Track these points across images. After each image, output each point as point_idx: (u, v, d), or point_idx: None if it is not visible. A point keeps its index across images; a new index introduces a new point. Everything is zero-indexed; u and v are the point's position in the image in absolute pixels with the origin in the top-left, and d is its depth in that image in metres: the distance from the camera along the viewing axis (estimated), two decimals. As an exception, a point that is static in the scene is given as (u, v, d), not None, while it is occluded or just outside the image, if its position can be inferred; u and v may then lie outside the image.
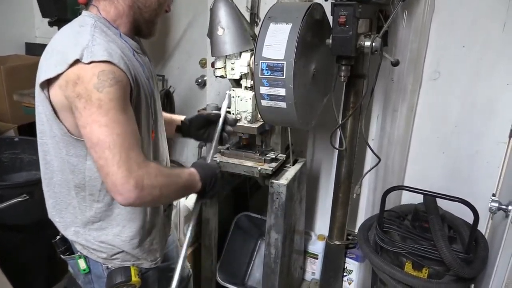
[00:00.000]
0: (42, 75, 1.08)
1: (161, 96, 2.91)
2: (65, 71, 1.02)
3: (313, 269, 2.54)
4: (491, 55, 1.94)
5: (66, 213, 1.25)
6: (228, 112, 1.83)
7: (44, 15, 1.98)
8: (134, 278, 1.25)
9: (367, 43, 1.58)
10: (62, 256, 1.32)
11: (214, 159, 1.90)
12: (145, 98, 1.19)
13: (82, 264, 1.28)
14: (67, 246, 1.31)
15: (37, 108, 1.16)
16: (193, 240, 2.25)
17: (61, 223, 1.27)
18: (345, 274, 2.42)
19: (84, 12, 1.16)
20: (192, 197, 2.20)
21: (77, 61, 1.02)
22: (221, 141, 1.61)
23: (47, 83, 1.08)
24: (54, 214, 1.27)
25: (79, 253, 1.28)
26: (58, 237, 1.32)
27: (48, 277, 2.29)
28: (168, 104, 2.95)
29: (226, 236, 2.33)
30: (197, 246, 2.25)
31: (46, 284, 2.26)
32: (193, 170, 1.25)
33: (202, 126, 1.59)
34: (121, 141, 1.02)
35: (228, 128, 1.58)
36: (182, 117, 1.63)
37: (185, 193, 1.27)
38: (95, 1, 1.15)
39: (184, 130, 1.61)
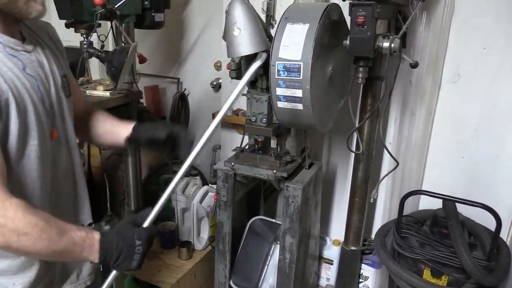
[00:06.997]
0: None
1: (175, 99, 2.91)
2: None
3: (328, 275, 2.50)
4: (512, 57, 1.89)
5: None
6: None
7: (61, 17, 1.98)
8: None
9: (386, 44, 1.55)
10: None
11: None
12: (31, 103, 1.00)
13: None
14: None
15: None
16: (207, 243, 2.24)
17: None
18: (360, 280, 2.37)
19: None
20: (206, 200, 2.19)
21: None
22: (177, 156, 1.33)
23: None
24: None
25: None
26: None
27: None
28: (183, 107, 2.94)
29: (239, 240, 2.30)
30: (211, 249, 2.23)
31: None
32: (93, 236, 0.96)
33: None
34: None
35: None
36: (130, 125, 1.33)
37: (65, 256, 0.96)
38: None
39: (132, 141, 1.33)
